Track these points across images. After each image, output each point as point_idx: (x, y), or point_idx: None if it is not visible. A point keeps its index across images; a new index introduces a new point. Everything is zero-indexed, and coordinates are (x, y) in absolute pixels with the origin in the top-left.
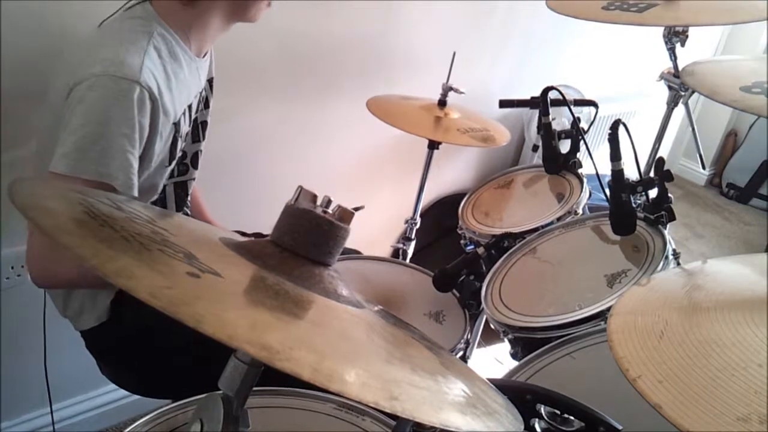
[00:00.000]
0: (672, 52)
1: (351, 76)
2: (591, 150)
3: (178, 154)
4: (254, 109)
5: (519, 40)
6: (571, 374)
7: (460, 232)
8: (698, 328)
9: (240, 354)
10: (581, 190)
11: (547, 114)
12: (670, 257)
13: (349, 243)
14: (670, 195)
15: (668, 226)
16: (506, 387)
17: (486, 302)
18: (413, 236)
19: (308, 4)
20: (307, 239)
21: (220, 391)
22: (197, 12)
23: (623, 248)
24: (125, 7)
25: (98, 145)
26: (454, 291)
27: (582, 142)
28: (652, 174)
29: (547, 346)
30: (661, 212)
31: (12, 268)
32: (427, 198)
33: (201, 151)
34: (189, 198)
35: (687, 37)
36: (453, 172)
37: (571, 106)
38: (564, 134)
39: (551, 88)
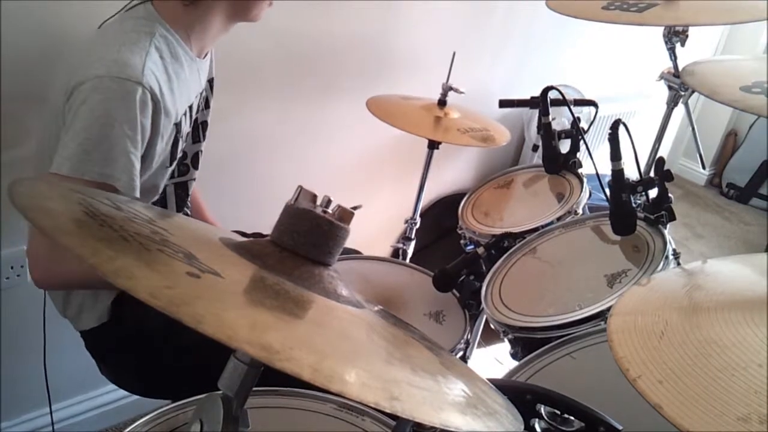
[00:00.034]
0: (672, 52)
1: (351, 76)
2: (591, 150)
3: (179, 154)
4: (254, 109)
5: (519, 40)
6: (571, 374)
7: (460, 232)
8: (698, 328)
9: (240, 354)
10: (581, 190)
11: (547, 114)
12: (670, 257)
13: (349, 243)
14: (670, 195)
15: (668, 226)
16: (506, 387)
17: (486, 302)
18: (413, 236)
19: (308, 4)
20: (307, 239)
21: (220, 392)
22: (199, 12)
23: (623, 248)
24: (126, 8)
25: (102, 146)
26: (454, 291)
27: (582, 142)
28: (652, 174)
29: (547, 346)
30: (661, 212)
31: (12, 268)
32: (427, 198)
33: (201, 151)
34: (189, 198)
35: (687, 37)
36: (453, 172)
37: (571, 106)
38: (564, 134)
39: (551, 88)
